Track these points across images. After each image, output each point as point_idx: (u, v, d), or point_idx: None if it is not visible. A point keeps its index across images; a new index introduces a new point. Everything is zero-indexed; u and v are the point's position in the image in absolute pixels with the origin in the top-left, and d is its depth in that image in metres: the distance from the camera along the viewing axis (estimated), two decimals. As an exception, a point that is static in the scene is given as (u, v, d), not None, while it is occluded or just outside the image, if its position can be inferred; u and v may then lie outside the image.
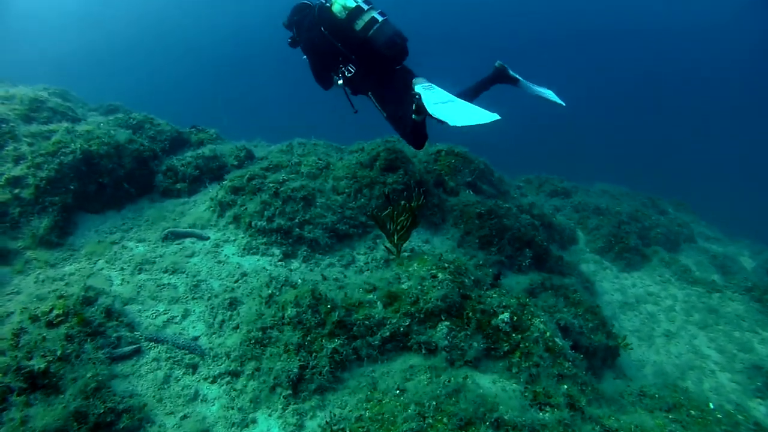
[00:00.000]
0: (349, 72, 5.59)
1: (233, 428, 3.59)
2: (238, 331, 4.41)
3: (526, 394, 3.65)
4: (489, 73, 5.89)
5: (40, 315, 3.86)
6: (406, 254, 5.35)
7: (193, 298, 4.90)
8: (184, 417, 3.65)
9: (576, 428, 3.38)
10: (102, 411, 3.27)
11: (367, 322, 4.05)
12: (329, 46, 5.56)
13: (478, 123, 4.35)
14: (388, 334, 4.02)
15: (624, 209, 10.43)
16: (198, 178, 6.92)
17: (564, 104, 5.75)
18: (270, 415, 3.63)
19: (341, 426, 3.32)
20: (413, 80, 5.19)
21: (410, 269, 4.67)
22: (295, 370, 3.70)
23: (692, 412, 4.51)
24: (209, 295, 4.93)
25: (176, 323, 4.61)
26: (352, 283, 4.58)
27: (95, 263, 5.32)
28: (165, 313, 4.69)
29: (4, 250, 5.23)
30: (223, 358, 4.17)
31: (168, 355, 4.20)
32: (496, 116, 4.37)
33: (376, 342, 3.99)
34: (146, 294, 4.90)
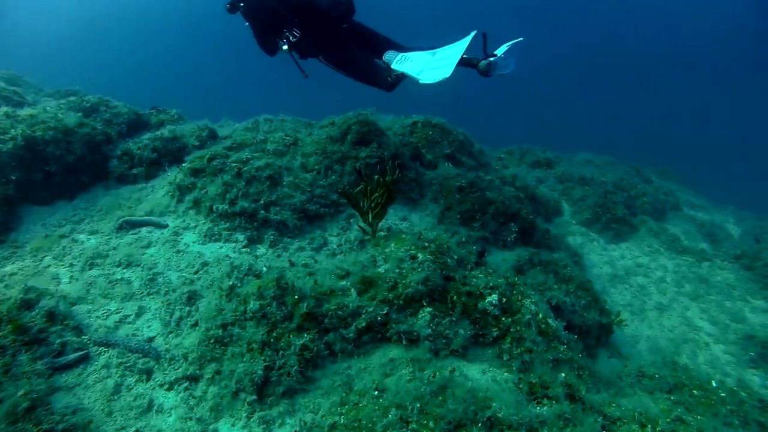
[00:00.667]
0: (294, 36, 5.18)
1: (192, 442, 3.17)
2: (197, 329, 3.95)
3: (521, 385, 3.27)
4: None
5: (-36, 325, 3.37)
6: (382, 234, 4.90)
7: (149, 294, 4.42)
8: (136, 432, 3.21)
9: (577, 422, 3.02)
10: (34, 435, 2.81)
11: (340, 313, 3.61)
12: (270, 10, 5.13)
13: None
14: (364, 324, 3.59)
15: (609, 179, 10.12)
16: (156, 162, 6.38)
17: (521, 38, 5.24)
18: (233, 425, 3.20)
19: (313, 435, 2.92)
20: (385, 57, 4.93)
21: (387, 250, 4.23)
22: (260, 371, 3.26)
23: (695, 392, 4.20)
24: (166, 289, 4.45)
25: (129, 323, 4.13)
26: (323, 269, 4.13)
27: (41, 260, 4.80)
28: (117, 313, 4.21)
29: (-66, 249, 4.70)
30: (181, 361, 3.71)
31: (119, 360, 3.74)
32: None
33: (351, 334, 3.56)
34: (97, 292, 4.40)
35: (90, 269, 4.69)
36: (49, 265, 4.71)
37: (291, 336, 3.44)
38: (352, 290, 3.80)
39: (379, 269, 3.97)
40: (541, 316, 3.97)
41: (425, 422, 2.71)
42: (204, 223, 5.21)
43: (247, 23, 5.60)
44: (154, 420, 3.32)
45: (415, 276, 3.75)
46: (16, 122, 5.71)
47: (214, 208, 5.14)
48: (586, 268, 7.39)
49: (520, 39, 5.21)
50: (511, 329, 3.79)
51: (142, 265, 4.73)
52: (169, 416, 3.35)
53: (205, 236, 5.08)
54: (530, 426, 2.80)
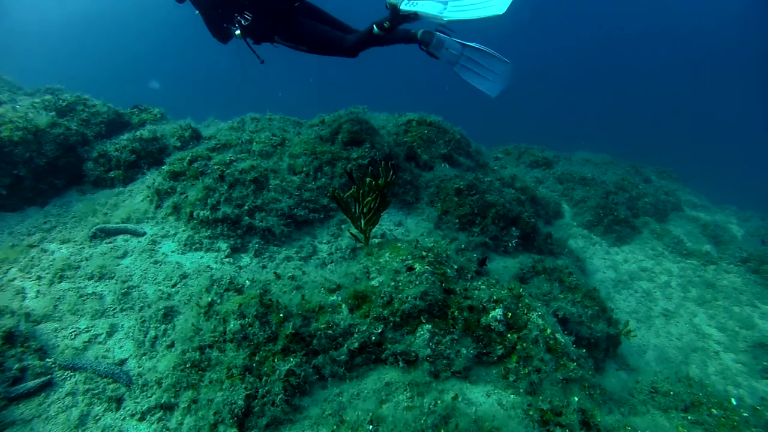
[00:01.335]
0: (246, 20, 4.89)
1: (164, 482, 2.82)
2: (172, 350, 3.59)
3: (531, 412, 2.94)
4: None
5: None
6: (376, 241, 4.57)
7: (122, 310, 4.05)
8: (101, 472, 2.85)
9: (594, 455, 2.70)
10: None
11: (330, 332, 3.26)
12: None
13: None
14: (356, 345, 3.24)
15: (610, 178, 9.83)
16: (135, 164, 6.00)
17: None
18: (210, 462, 2.84)
19: (299, 478, 2.57)
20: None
21: (381, 261, 3.90)
22: (241, 401, 2.90)
23: (714, 411, 3.90)
24: (141, 304, 4.08)
25: (100, 343, 3.76)
26: (311, 282, 3.77)
27: (5, 273, 4.42)
28: (87, 331, 3.84)
29: None
30: (154, 388, 3.35)
31: (87, 386, 3.37)
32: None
33: (343, 357, 3.20)
34: (65, 308, 4.03)
35: (59, 282, 4.32)
36: (14, 278, 4.33)
37: (275, 360, 3.08)
38: (344, 306, 3.44)
39: (373, 282, 3.62)
40: (549, 331, 3.64)
41: (427, 464, 2.37)
42: (184, 231, 4.84)
43: (197, 12, 5.25)
44: (123, 456, 2.96)
45: (413, 290, 3.41)
46: (-19, 122, 5.34)
47: (195, 214, 4.78)
48: (590, 273, 7.09)
49: (507, 61, 4.88)
50: (518, 347, 3.47)
51: (116, 277, 4.36)
52: (140, 452, 3.00)
53: (185, 245, 4.71)
54: (544, 463, 2.47)
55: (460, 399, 2.96)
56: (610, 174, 10.50)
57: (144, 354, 3.65)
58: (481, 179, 6.00)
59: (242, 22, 4.95)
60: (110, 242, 4.81)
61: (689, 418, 3.88)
